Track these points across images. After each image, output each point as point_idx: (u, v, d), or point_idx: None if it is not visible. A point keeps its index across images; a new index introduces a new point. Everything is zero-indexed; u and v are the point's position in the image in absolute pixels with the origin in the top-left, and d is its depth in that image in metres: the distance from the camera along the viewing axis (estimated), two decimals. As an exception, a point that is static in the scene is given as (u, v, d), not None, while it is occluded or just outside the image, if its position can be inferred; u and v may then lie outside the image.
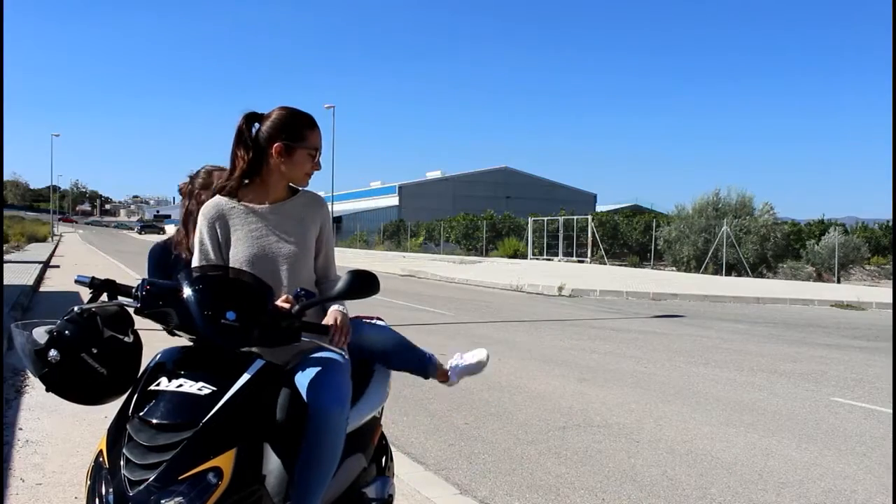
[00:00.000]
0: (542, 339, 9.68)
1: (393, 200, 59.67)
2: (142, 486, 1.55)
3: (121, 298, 1.92)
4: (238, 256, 2.32)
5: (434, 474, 4.04)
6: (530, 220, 37.08)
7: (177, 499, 1.53)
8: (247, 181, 2.36)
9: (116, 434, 1.69)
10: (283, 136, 2.30)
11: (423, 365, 2.81)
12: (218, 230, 2.34)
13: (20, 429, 4.62)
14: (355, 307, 2.61)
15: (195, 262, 2.33)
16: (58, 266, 21.48)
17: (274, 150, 2.29)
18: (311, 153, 2.33)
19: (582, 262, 32.22)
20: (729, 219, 26.50)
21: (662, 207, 43.43)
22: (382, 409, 2.71)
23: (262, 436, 1.82)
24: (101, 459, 1.67)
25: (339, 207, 52.69)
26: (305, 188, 2.48)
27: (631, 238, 35.43)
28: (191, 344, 1.93)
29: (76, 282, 1.97)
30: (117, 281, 1.96)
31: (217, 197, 2.36)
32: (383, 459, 2.75)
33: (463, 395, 5.86)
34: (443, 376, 2.88)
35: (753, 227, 26.50)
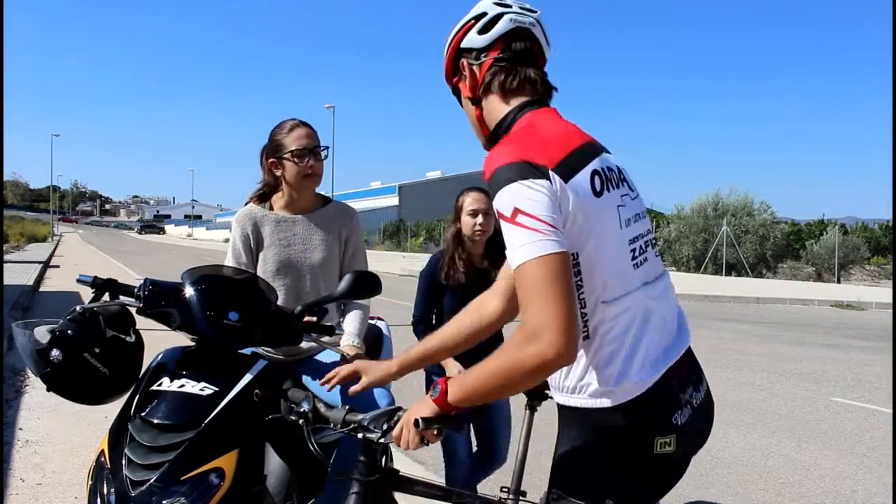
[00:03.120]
0: (542, 339, 9.68)
1: (393, 200, 59.63)
2: (144, 487, 1.55)
3: (123, 298, 1.92)
4: (266, 263, 2.50)
5: (434, 474, 4.03)
6: (530, 220, 37.02)
7: (179, 499, 1.53)
8: (276, 192, 2.59)
9: (118, 434, 1.69)
10: (271, 152, 2.53)
11: None
12: (250, 236, 2.52)
13: (20, 429, 4.63)
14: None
15: (228, 265, 2.48)
16: (58, 266, 21.48)
17: (271, 166, 2.54)
18: (297, 155, 2.47)
19: (582, 262, 32.17)
20: (728, 218, 26.51)
21: (662, 207, 43.43)
22: (383, 409, 2.71)
23: (264, 436, 1.82)
24: (102, 459, 1.67)
25: (338, 207, 52.57)
26: (332, 197, 2.69)
27: (631, 238, 35.34)
28: (193, 344, 1.93)
29: (78, 281, 1.97)
30: (119, 280, 1.96)
31: (251, 205, 2.57)
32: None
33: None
34: None
35: (752, 227, 26.51)
